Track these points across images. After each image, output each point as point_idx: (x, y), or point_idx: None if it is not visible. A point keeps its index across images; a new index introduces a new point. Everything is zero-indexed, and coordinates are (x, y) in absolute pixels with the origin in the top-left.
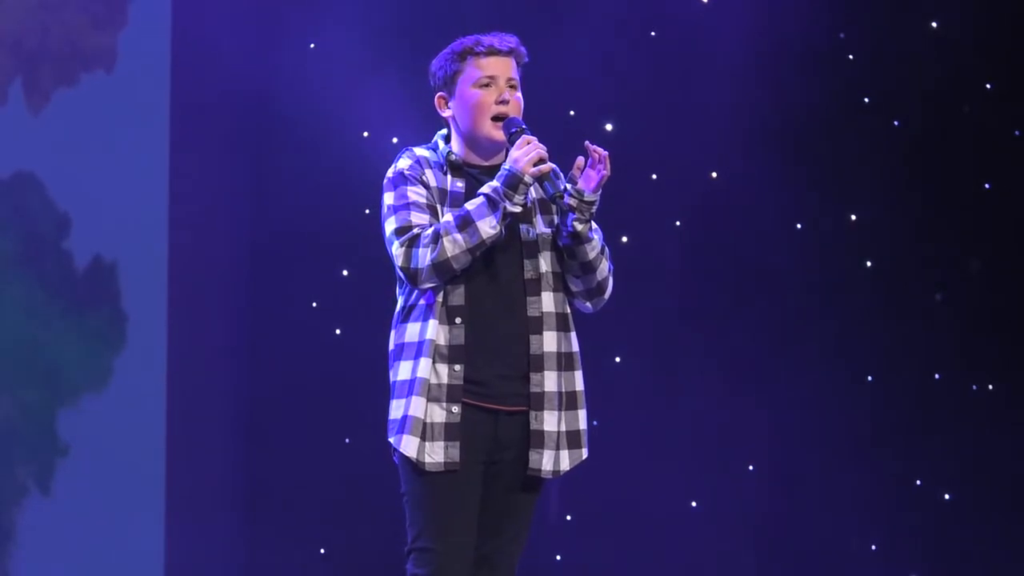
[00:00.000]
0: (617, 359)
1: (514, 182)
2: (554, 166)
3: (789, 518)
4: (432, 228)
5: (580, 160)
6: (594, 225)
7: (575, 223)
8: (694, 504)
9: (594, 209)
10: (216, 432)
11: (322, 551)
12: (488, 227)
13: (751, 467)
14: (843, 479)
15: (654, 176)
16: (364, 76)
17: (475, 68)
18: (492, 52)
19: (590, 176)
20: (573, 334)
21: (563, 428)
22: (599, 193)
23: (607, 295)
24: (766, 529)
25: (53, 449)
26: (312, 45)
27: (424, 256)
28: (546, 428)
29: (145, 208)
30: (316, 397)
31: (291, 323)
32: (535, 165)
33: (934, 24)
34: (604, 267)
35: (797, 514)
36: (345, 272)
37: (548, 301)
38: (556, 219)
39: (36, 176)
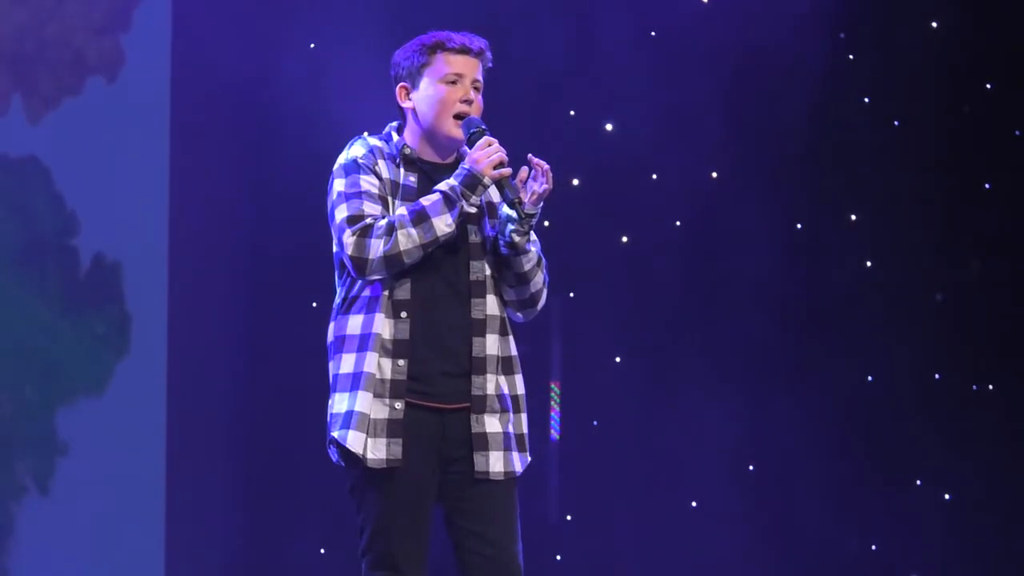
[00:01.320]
0: (617, 359)
1: (473, 183)
2: (513, 171)
3: (789, 518)
4: (386, 220)
5: (524, 171)
6: (533, 237)
7: (513, 234)
8: (694, 504)
9: (533, 222)
10: (216, 432)
11: (322, 551)
12: (443, 224)
13: (751, 467)
14: (843, 479)
15: (654, 176)
16: (364, 76)
17: (444, 64)
18: (464, 51)
19: (531, 189)
20: (511, 338)
21: (510, 431)
22: (540, 206)
23: (539, 307)
24: (766, 529)
25: (53, 449)
26: (312, 45)
27: (376, 247)
28: (488, 430)
29: (146, 208)
30: (316, 397)
31: (291, 323)
32: (495, 168)
33: (934, 24)
34: (539, 279)
35: (797, 514)
36: None
37: (491, 304)
38: (496, 226)
39: (38, 179)
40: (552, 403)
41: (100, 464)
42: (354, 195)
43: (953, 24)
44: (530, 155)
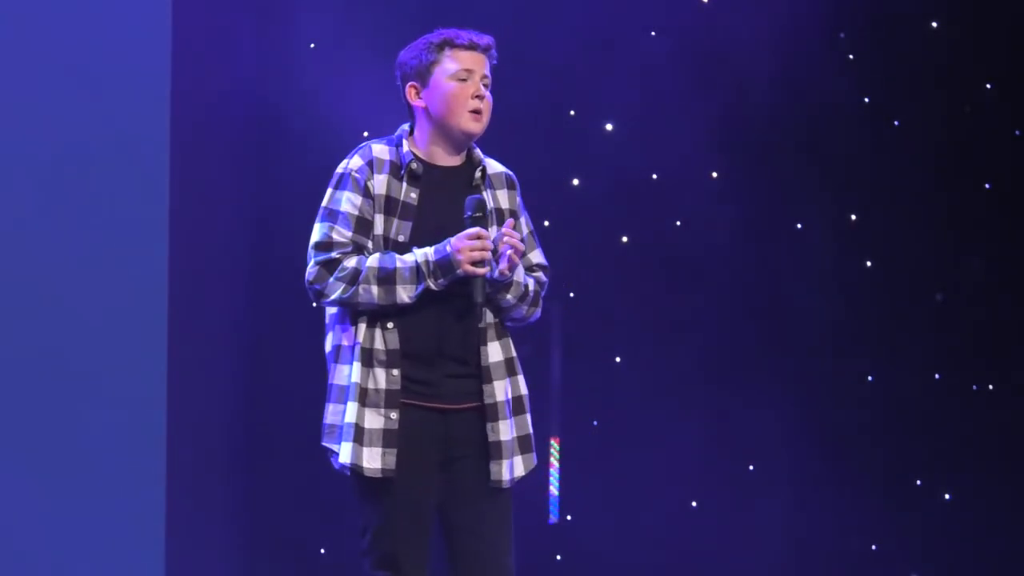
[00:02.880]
0: (617, 359)
1: (448, 268)
2: (488, 273)
3: (789, 518)
4: (354, 262)
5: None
6: (517, 280)
7: (508, 296)
8: (694, 504)
9: (511, 278)
10: (216, 432)
11: (322, 551)
12: (405, 295)
13: (751, 467)
14: (843, 479)
15: (654, 176)
16: (364, 76)
17: (453, 60)
18: (472, 47)
19: (506, 257)
20: (511, 339)
21: (515, 434)
22: (512, 274)
23: (529, 322)
24: (766, 529)
25: (53, 449)
26: (312, 45)
27: (335, 289)
28: (503, 438)
29: (145, 207)
30: (316, 397)
31: (291, 323)
32: (473, 264)
33: (934, 24)
34: (523, 311)
35: (797, 514)
36: None
37: (490, 312)
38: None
39: (37, 176)
40: (551, 459)
41: (100, 464)
42: (330, 215)
43: (953, 24)
44: (503, 229)
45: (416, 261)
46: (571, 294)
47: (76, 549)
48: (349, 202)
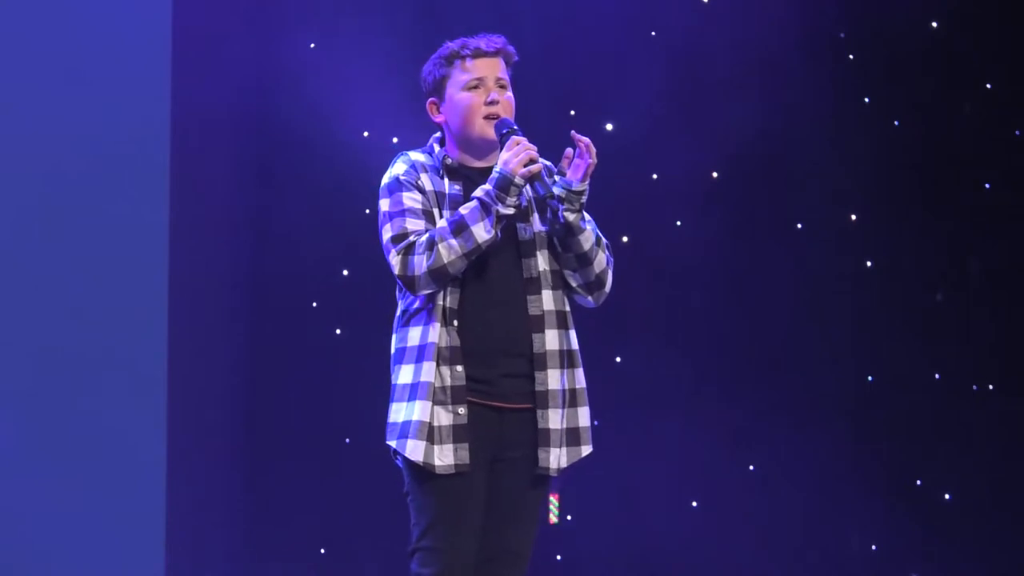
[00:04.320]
0: (618, 359)
1: (505, 184)
2: (548, 164)
3: (789, 518)
4: (427, 235)
5: (568, 151)
6: (587, 216)
7: (566, 213)
8: (695, 504)
9: (584, 199)
10: (216, 432)
11: (322, 551)
12: (483, 231)
13: (751, 467)
14: (843, 479)
15: (654, 176)
16: (364, 76)
17: (462, 71)
18: (478, 54)
19: (577, 166)
20: (573, 332)
21: (566, 425)
22: (587, 182)
23: (607, 288)
24: (766, 529)
25: (54, 448)
26: (312, 45)
27: (420, 263)
28: (551, 426)
29: (146, 208)
30: (316, 397)
31: (291, 323)
32: (525, 166)
33: (934, 24)
34: (602, 258)
35: (797, 514)
36: (345, 272)
37: (548, 299)
38: (548, 214)
39: (36, 176)
40: (550, 516)
41: (100, 464)
42: (397, 214)
43: (953, 24)
44: (573, 132)
45: (477, 198)
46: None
47: (76, 549)
48: (411, 199)
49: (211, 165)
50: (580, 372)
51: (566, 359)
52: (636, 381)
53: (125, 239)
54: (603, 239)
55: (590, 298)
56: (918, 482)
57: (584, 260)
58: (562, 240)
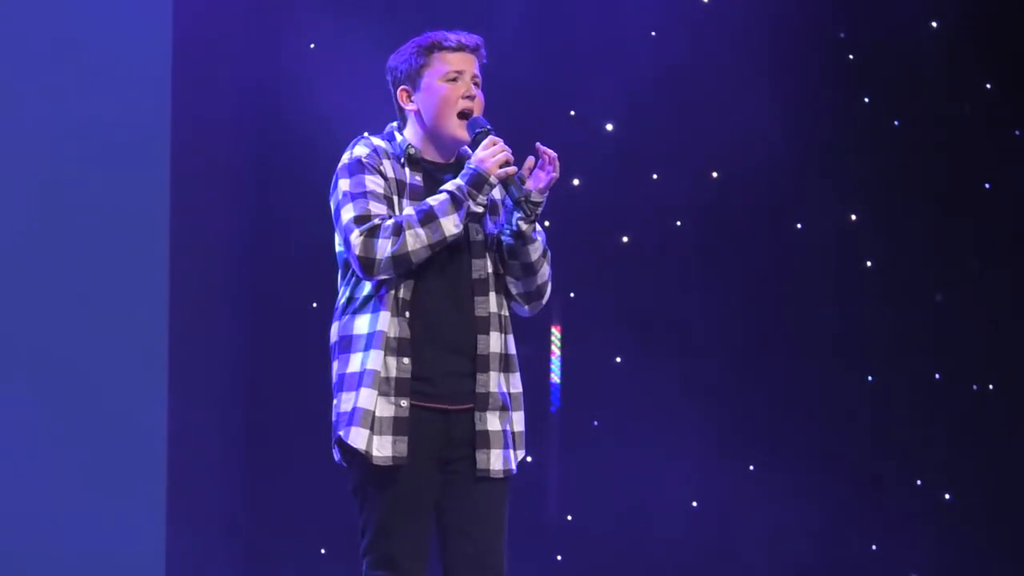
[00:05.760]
0: (618, 359)
1: (479, 182)
2: (518, 170)
3: (790, 518)
4: (393, 220)
5: (531, 160)
6: (538, 228)
7: (520, 222)
8: (695, 504)
9: (539, 210)
10: (216, 434)
11: (322, 551)
12: (451, 225)
13: (752, 467)
14: (843, 479)
15: (655, 176)
16: (364, 77)
17: (443, 63)
18: (460, 48)
19: (539, 177)
20: (511, 336)
21: (508, 428)
22: (546, 195)
23: (545, 300)
24: (767, 529)
25: (54, 449)
26: (312, 46)
27: (384, 247)
28: (490, 428)
29: (146, 209)
30: (316, 398)
31: (291, 324)
32: (501, 167)
33: (934, 24)
34: (545, 271)
35: (798, 514)
36: None
37: (493, 302)
38: (500, 219)
39: (37, 178)
40: (552, 347)
41: (100, 464)
42: (360, 195)
43: (953, 24)
44: (538, 144)
45: (447, 192)
46: (571, 294)
47: (77, 549)
48: (373, 182)
49: (211, 167)
50: (518, 376)
51: (504, 363)
52: (636, 382)
53: (126, 242)
54: (548, 252)
55: (527, 307)
56: (918, 482)
57: (529, 270)
58: (511, 248)
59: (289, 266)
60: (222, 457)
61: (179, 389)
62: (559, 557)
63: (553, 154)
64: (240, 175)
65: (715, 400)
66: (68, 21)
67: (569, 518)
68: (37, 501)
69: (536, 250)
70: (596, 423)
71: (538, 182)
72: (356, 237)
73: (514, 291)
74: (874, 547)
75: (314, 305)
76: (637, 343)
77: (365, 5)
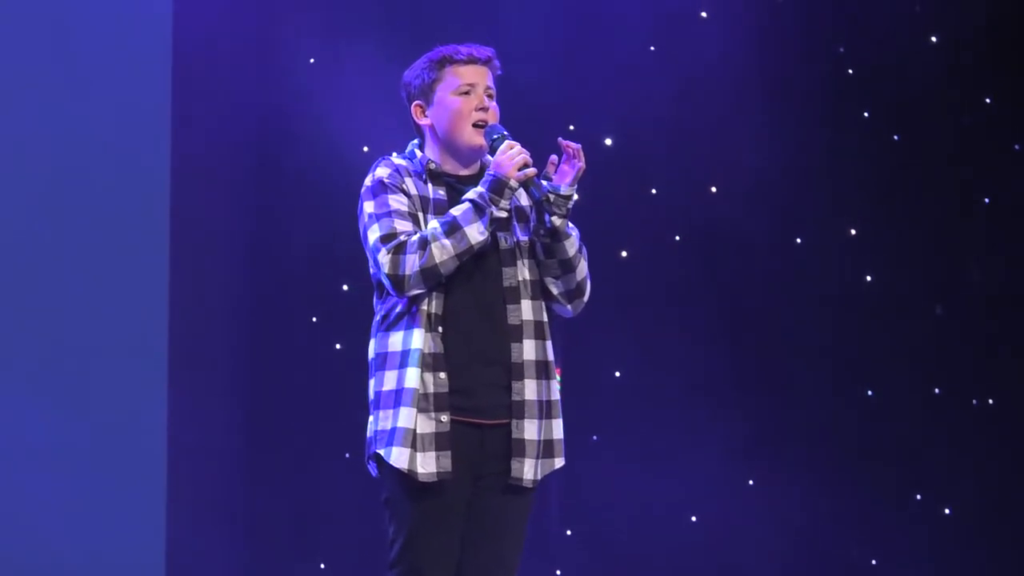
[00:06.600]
0: (617, 374)
1: (499, 187)
2: (538, 171)
3: (789, 533)
4: (418, 235)
5: (553, 157)
6: (571, 223)
7: (553, 219)
8: (694, 519)
9: (571, 204)
10: (217, 432)
11: (322, 566)
12: (476, 232)
13: (751, 482)
14: (843, 493)
15: (654, 191)
16: (363, 91)
17: (454, 76)
18: (471, 60)
19: (565, 171)
20: (549, 343)
21: (542, 437)
22: (575, 187)
23: (586, 297)
24: (766, 543)
25: (54, 448)
26: (312, 60)
27: (412, 262)
28: (527, 437)
29: (146, 209)
30: (316, 411)
31: (291, 338)
32: (520, 170)
33: (934, 39)
34: (583, 266)
35: (797, 528)
36: (345, 287)
37: (527, 309)
38: (533, 220)
39: (38, 182)
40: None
41: (101, 463)
42: (384, 215)
43: (952, 39)
44: (560, 139)
45: (469, 200)
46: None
47: (77, 548)
48: (396, 201)
49: (211, 181)
50: (555, 384)
51: (541, 370)
52: (635, 395)
53: (126, 242)
54: (584, 248)
55: (569, 307)
56: (918, 496)
57: (567, 266)
58: (547, 246)
59: (289, 266)
60: (222, 457)
61: (179, 389)
62: (558, 572)
63: (576, 145)
64: (239, 190)
65: (715, 415)
66: (69, 23)
67: (568, 533)
68: (37, 500)
69: (572, 245)
70: (595, 438)
71: (564, 176)
72: (384, 256)
73: (555, 291)
74: (873, 561)
75: (313, 320)
76: (636, 357)
77: (365, 19)
